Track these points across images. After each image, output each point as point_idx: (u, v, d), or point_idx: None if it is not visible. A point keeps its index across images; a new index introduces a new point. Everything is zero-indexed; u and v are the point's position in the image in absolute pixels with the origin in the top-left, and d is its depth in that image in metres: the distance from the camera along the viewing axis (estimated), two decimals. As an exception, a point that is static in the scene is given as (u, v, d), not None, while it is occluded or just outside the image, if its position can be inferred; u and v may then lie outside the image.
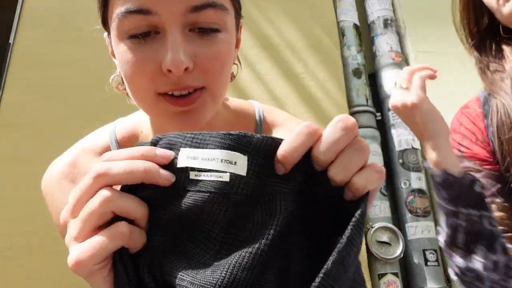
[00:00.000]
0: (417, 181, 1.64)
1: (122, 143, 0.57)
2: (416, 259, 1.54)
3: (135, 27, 0.44)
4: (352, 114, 1.74)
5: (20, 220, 1.24)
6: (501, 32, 0.74)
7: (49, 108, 1.39)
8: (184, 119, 0.47)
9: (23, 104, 1.37)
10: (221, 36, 0.46)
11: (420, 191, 1.63)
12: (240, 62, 0.59)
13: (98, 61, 1.55)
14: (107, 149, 0.56)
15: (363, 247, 1.50)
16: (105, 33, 0.54)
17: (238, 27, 0.54)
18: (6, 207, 1.25)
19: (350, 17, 1.92)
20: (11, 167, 1.29)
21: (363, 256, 1.49)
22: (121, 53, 0.46)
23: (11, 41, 1.45)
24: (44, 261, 1.21)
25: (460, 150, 0.73)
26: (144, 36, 0.45)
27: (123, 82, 0.51)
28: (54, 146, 1.35)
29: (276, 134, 0.60)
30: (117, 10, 0.45)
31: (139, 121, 0.59)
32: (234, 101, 0.62)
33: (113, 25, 0.46)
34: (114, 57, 0.51)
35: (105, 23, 0.50)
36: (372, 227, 1.53)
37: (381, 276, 1.49)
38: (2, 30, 1.69)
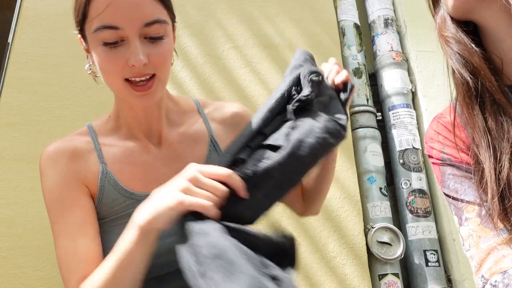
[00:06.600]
0: (417, 181, 1.64)
1: (97, 128, 0.79)
2: (417, 259, 1.53)
3: (108, 38, 0.64)
4: (353, 114, 1.74)
5: (19, 221, 1.24)
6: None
7: (48, 108, 1.38)
8: (142, 99, 0.68)
9: (21, 104, 1.37)
10: (164, 41, 0.68)
11: (420, 191, 1.62)
12: (176, 52, 0.78)
13: (98, 60, 1.54)
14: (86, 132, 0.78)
15: (364, 247, 1.49)
16: (79, 35, 0.71)
17: (174, 29, 0.74)
18: (6, 207, 1.24)
19: (350, 16, 1.91)
20: (9, 167, 1.29)
21: (363, 256, 1.48)
22: (99, 53, 0.66)
23: (9, 40, 1.44)
24: (43, 262, 1.20)
25: (442, 158, 0.70)
26: (114, 43, 0.64)
27: (95, 70, 0.71)
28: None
29: (209, 109, 0.85)
30: (95, 25, 0.63)
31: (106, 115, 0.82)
32: (175, 95, 0.87)
33: (91, 35, 0.65)
34: (87, 52, 0.71)
35: (82, 29, 0.68)
36: (373, 228, 1.52)
37: (382, 276, 1.49)
38: (0, 29, 1.68)
